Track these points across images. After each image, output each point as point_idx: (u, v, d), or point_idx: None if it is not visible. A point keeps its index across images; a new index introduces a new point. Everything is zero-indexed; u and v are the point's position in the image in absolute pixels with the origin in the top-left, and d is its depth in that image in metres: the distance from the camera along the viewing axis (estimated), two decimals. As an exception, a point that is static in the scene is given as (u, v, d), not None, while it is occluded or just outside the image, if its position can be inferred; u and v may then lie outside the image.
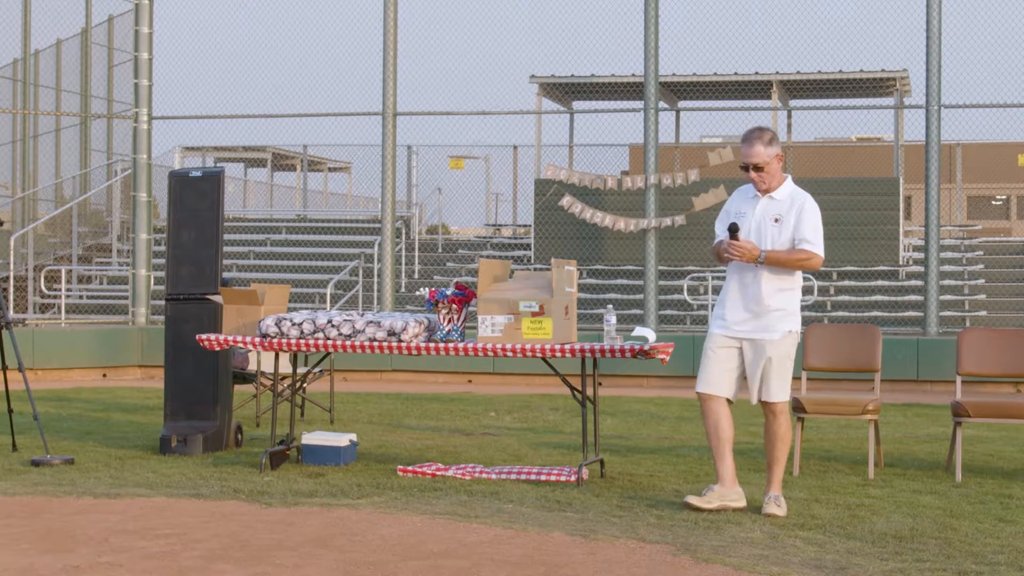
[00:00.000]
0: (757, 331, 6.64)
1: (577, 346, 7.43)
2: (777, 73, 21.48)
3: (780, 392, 6.64)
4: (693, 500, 6.65)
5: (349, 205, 29.49)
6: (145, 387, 14.03)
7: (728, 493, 6.68)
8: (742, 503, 6.66)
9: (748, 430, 9.58)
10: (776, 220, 6.64)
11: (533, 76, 22.18)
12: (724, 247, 6.60)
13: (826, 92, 22.29)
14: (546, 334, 7.40)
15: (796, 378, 8.51)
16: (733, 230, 6.60)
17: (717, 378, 6.71)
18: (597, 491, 7.14)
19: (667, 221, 16.46)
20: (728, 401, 6.77)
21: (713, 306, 8.29)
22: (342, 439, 8.15)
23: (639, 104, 17.17)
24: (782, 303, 6.65)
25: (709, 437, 6.78)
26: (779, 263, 6.59)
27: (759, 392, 6.64)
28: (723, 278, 7.11)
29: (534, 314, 7.41)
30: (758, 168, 6.65)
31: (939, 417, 11.34)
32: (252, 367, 10.65)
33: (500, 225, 24.14)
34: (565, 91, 23.24)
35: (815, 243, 6.62)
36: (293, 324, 7.78)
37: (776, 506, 6.50)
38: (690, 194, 16.99)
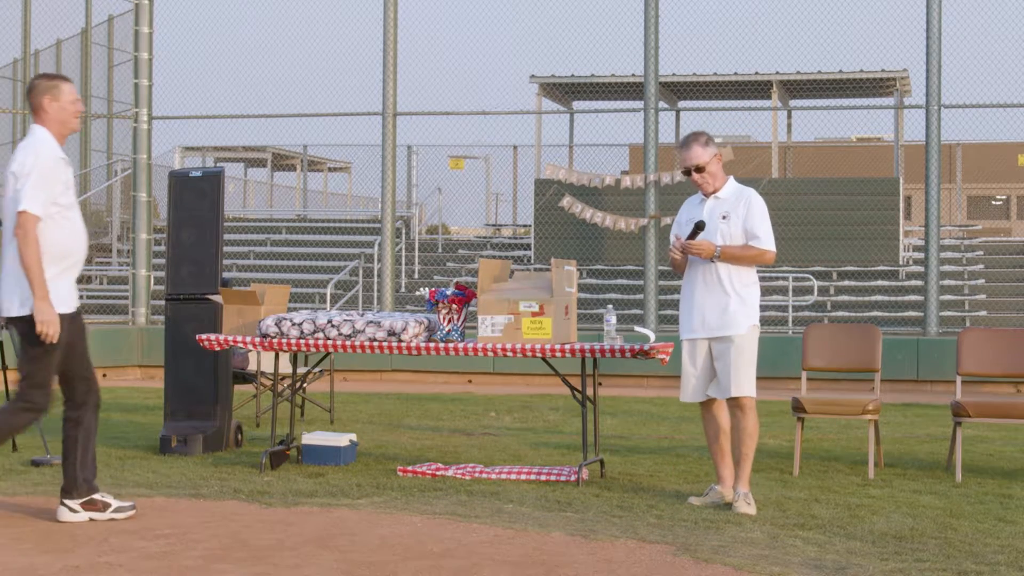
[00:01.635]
0: (722, 328, 6.72)
1: (577, 346, 7.43)
2: (777, 73, 21.49)
3: (747, 387, 6.71)
4: (695, 501, 6.77)
5: (349, 205, 29.49)
6: (145, 387, 14.03)
7: (728, 493, 6.80)
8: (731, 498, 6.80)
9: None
10: (724, 217, 6.78)
11: (533, 76, 22.19)
12: (683, 245, 6.70)
13: (826, 92, 22.30)
14: (546, 334, 7.40)
15: (795, 378, 8.54)
16: (699, 227, 6.72)
17: (695, 387, 6.83)
18: (597, 491, 7.14)
19: (667, 221, 16.46)
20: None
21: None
22: (342, 439, 8.15)
23: (639, 104, 17.16)
24: (742, 298, 6.73)
25: (708, 442, 6.97)
26: (734, 259, 6.71)
27: (729, 388, 6.68)
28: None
29: (534, 314, 7.41)
30: (699, 169, 6.80)
31: (939, 417, 11.33)
32: (252, 367, 10.65)
33: (500, 225, 24.15)
34: (565, 91, 23.25)
35: (764, 239, 6.75)
36: (293, 324, 7.78)
37: (747, 504, 6.58)
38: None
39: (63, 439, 6.23)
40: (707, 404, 6.88)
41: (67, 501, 6.16)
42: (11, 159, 6.08)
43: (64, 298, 6.04)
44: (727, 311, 6.71)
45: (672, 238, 6.98)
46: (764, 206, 6.81)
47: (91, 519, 6.13)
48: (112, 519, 6.15)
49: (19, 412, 6.10)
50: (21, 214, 5.90)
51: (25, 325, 6.00)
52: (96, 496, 6.20)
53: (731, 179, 6.91)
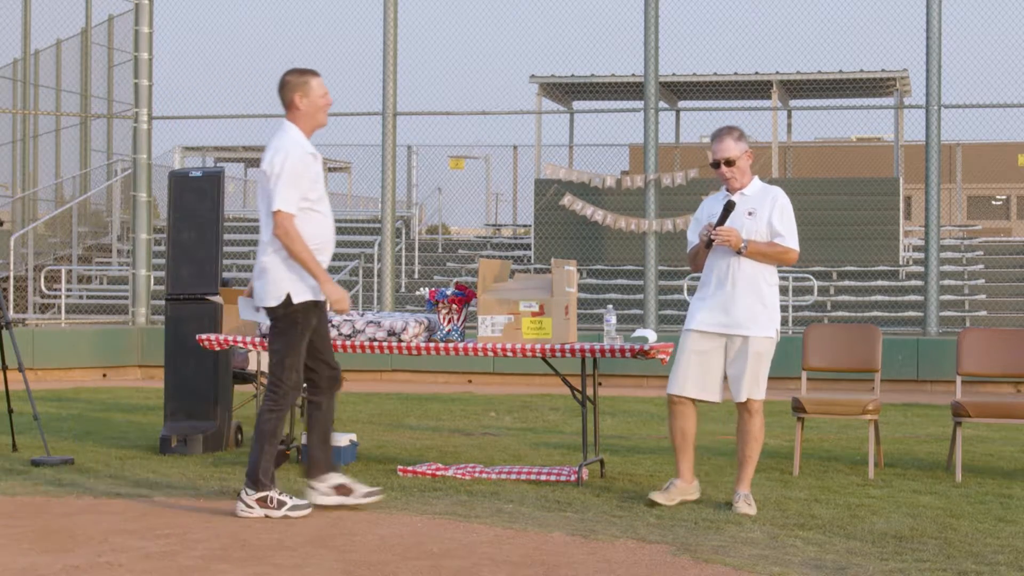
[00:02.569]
0: (744, 327, 6.64)
1: (577, 346, 7.43)
2: (777, 73, 21.48)
3: (760, 391, 6.67)
4: (657, 496, 6.68)
5: (349, 205, 29.49)
6: (145, 387, 14.03)
7: (688, 488, 6.78)
8: (697, 495, 6.80)
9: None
10: (750, 214, 6.68)
11: (533, 76, 22.18)
12: (711, 231, 6.60)
13: (826, 92, 22.29)
14: (546, 334, 7.40)
15: (795, 378, 8.53)
16: (730, 207, 6.64)
17: (695, 380, 6.71)
18: (597, 491, 7.14)
19: (667, 222, 16.47)
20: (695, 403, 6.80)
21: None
22: (342, 439, 8.15)
23: (639, 104, 17.17)
24: (766, 299, 6.68)
25: (674, 437, 6.81)
26: (760, 254, 6.64)
27: (746, 390, 6.64)
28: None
29: (534, 314, 7.41)
30: (729, 163, 6.71)
31: (939, 417, 11.33)
32: (252, 367, 10.63)
33: (500, 225, 24.14)
34: (565, 91, 23.24)
35: (789, 238, 6.69)
36: (293, 324, 7.77)
37: (747, 505, 6.55)
38: (690, 194, 16.99)
39: (307, 422, 6.63)
40: (682, 402, 6.76)
41: (313, 483, 6.48)
42: (263, 157, 6.38)
43: (313, 286, 6.34)
44: (751, 310, 6.62)
45: (689, 233, 6.91)
46: (790, 206, 6.73)
47: (341, 503, 6.45)
48: (358, 506, 6.45)
49: (275, 399, 6.40)
50: (276, 214, 6.21)
51: (278, 312, 6.34)
52: (346, 482, 6.50)
53: (756, 178, 6.83)
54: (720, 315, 6.66)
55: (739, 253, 6.60)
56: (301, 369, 6.43)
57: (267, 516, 6.26)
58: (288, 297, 6.30)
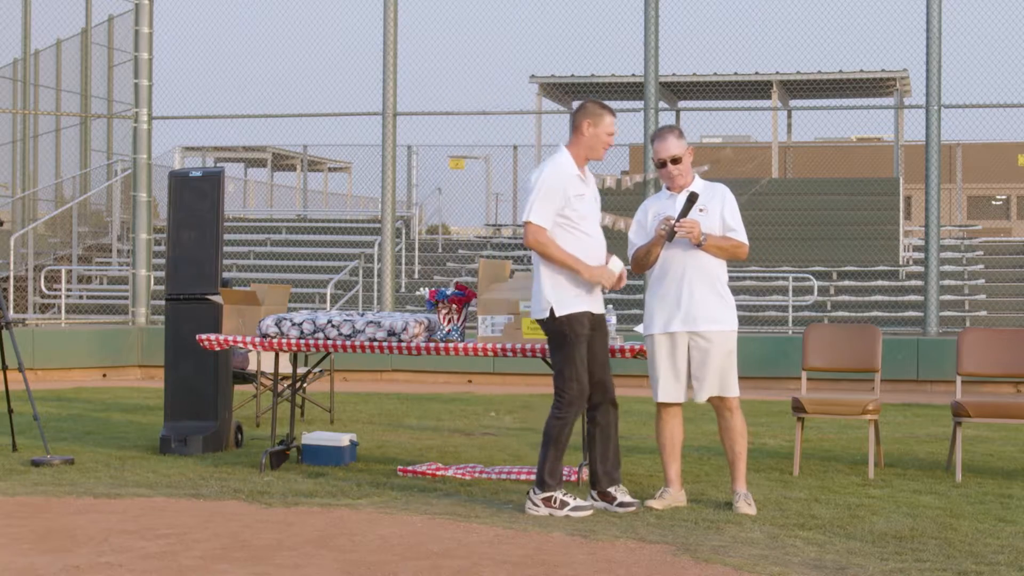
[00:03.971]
0: (708, 322, 6.64)
1: (577, 346, 7.42)
2: (777, 73, 21.49)
3: (734, 387, 6.70)
4: (654, 504, 6.69)
5: (349, 205, 29.50)
6: (145, 387, 14.02)
7: (677, 495, 6.79)
8: (685, 502, 6.79)
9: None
10: (701, 210, 6.68)
11: (533, 76, 22.19)
12: (673, 225, 6.55)
13: (826, 92, 22.30)
14: (546, 334, 7.39)
15: (795, 378, 8.54)
16: (693, 199, 6.62)
17: (675, 385, 6.74)
18: (597, 491, 7.13)
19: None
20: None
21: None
22: (342, 439, 8.16)
23: (639, 104, 17.16)
24: (723, 293, 6.71)
25: (663, 444, 6.85)
26: (717, 248, 6.66)
27: (714, 387, 6.65)
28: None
29: (534, 314, 7.40)
30: (676, 160, 6.71)
31: (939, 417, 11.33)
32: (252, 367, 10.64)
33: (500, 225, 24.14)
34: (565, 91, 23.25)
35: (741, 233, 6.72)
36: (293, 324, 7.79)
37: (747, 504, 6.57)
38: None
39: (586, 434, 6.88)
40: (672, 406, 6.80)
41: (593, 492, 6.69)
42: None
43: (582, 297, 6.55)
44: (714, 306, 6.64)
45: (631, 235, 6.88)
46: (735, 201, 6.79)
47: (604, 508, 6.57)
48: (625, 510, 6.55)
49: (559, 407, 6.57)
50: (526, 224, 6.49)
51: (548, 326, 6.56)
52: (611, 489, 6.62)
53: (696, 175, 6.86)
54: (679, 313, 6.66)
55: (698, 246, 6.60)
56: (583, 379, 6.56)
57: (551, 515, 6.41)
58: (552, 311, 6.50)
